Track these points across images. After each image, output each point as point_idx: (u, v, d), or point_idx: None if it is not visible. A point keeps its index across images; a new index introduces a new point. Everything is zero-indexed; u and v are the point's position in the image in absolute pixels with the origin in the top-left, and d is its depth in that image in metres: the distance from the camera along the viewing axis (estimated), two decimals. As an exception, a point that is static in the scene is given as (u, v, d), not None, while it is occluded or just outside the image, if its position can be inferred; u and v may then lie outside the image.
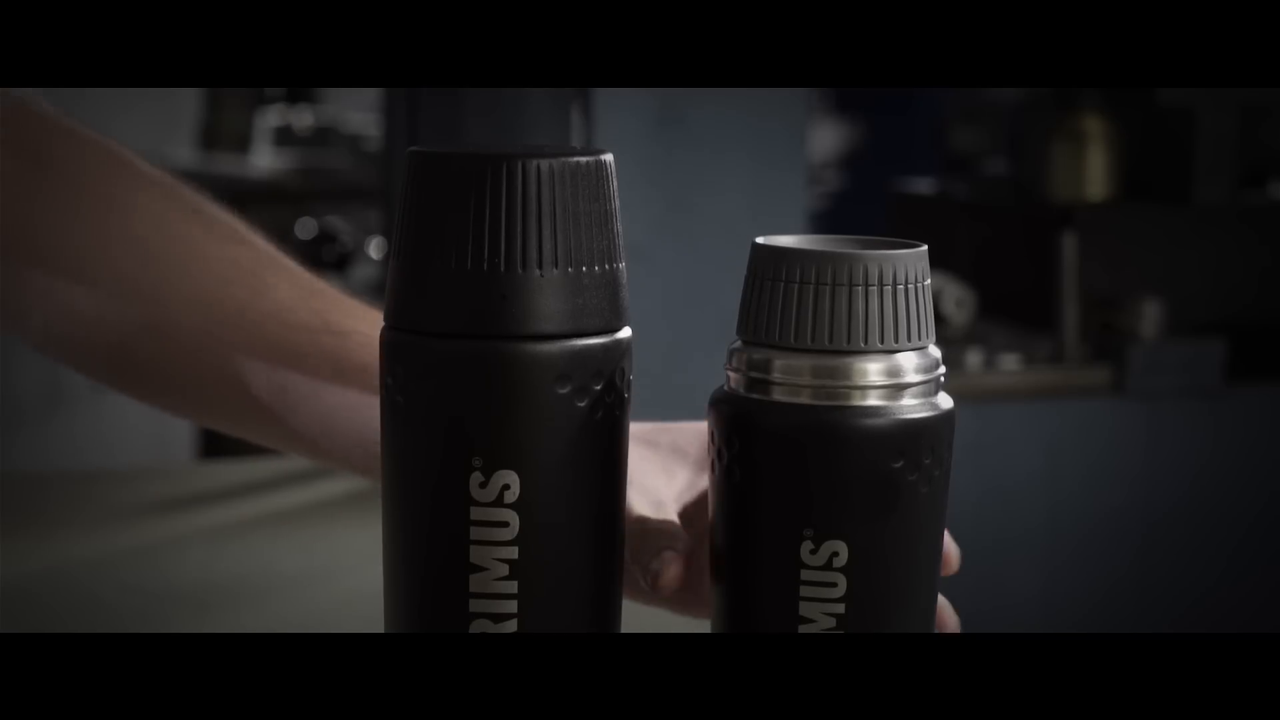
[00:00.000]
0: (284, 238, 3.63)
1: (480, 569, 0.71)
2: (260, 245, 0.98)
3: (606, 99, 2.49)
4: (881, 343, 0.71)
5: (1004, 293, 3.05)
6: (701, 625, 0.80)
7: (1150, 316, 2.92)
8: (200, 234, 0.97)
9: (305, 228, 3.60)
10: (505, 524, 0.71)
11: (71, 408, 4.19)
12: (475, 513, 0.71)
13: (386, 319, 0.73)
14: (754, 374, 0.72)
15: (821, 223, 4.12)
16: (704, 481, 0.86)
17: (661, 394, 2.21)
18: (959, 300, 2.90)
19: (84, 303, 0.97)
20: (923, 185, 3.54)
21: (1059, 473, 2.80)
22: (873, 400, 0.71)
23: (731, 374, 0.73)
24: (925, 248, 0.72)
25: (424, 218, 0.71)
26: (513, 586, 0.71)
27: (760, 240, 0.73)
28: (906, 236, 0.75)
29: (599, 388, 0.72)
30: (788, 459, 0.71)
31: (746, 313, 0.73)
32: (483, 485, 0.70)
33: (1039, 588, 2.79)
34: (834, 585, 0.71)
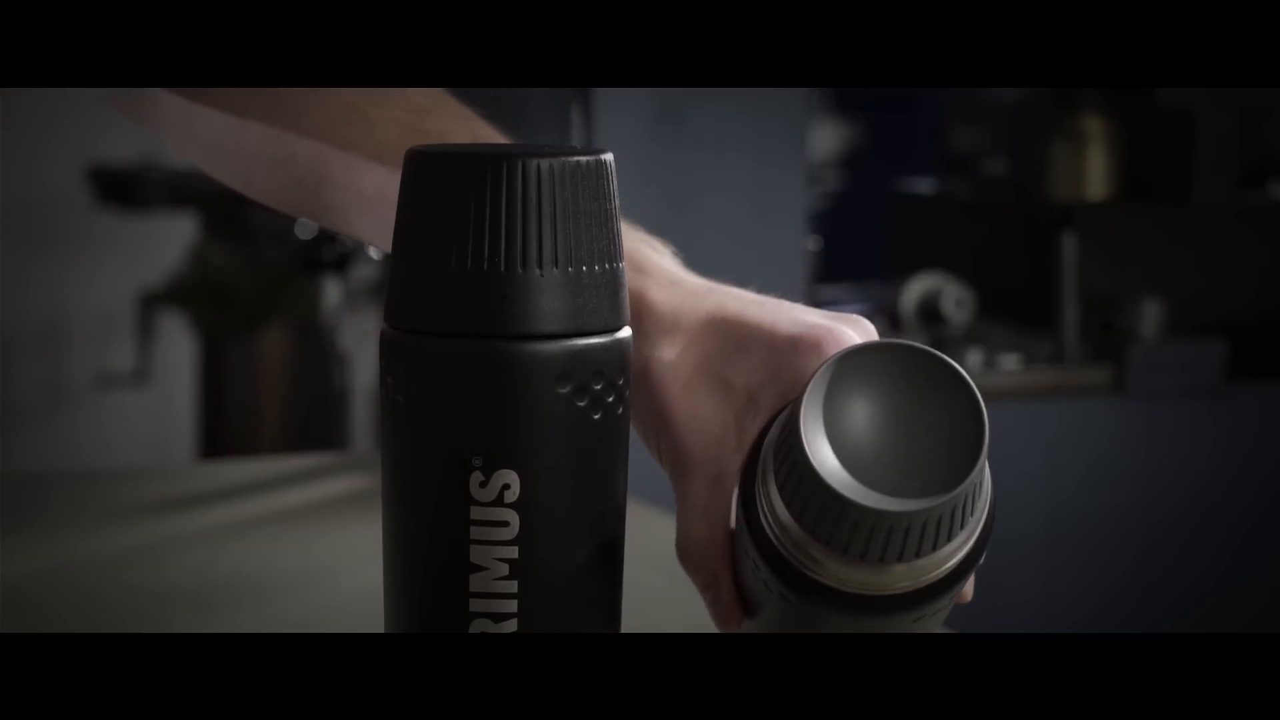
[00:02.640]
0: (284, 237, 3.63)
1: (480, 569, 0.71)
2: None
3: (606, 99, 2.49)
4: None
5: (1004, 292, 3.05)
6: (701, 625, 0.80)
7: (1150, 316, 2.92)
8: None
9: (305, 227, 3.60)
10: (505, 524, 0.71)
11: (71, 408, 4.19)
12: (475, 512, 0.71)
13: (386, 319, 0.73)
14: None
15: (822, 222, 4.12)
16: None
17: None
18: (959, 300, 2.90)
19: (202, 128, 0.97)
20: (923, 185, 3.54)
21: (1059, 472, 2.80)
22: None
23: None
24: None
25: (424, 218, 0.71)
26: (513, 586, 0.71)
27: (806, 444, 0.70)
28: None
29: (599, 387, 0.71)
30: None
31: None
32: (483, 485, 0.70)
33: (1039, 588, 2.79)
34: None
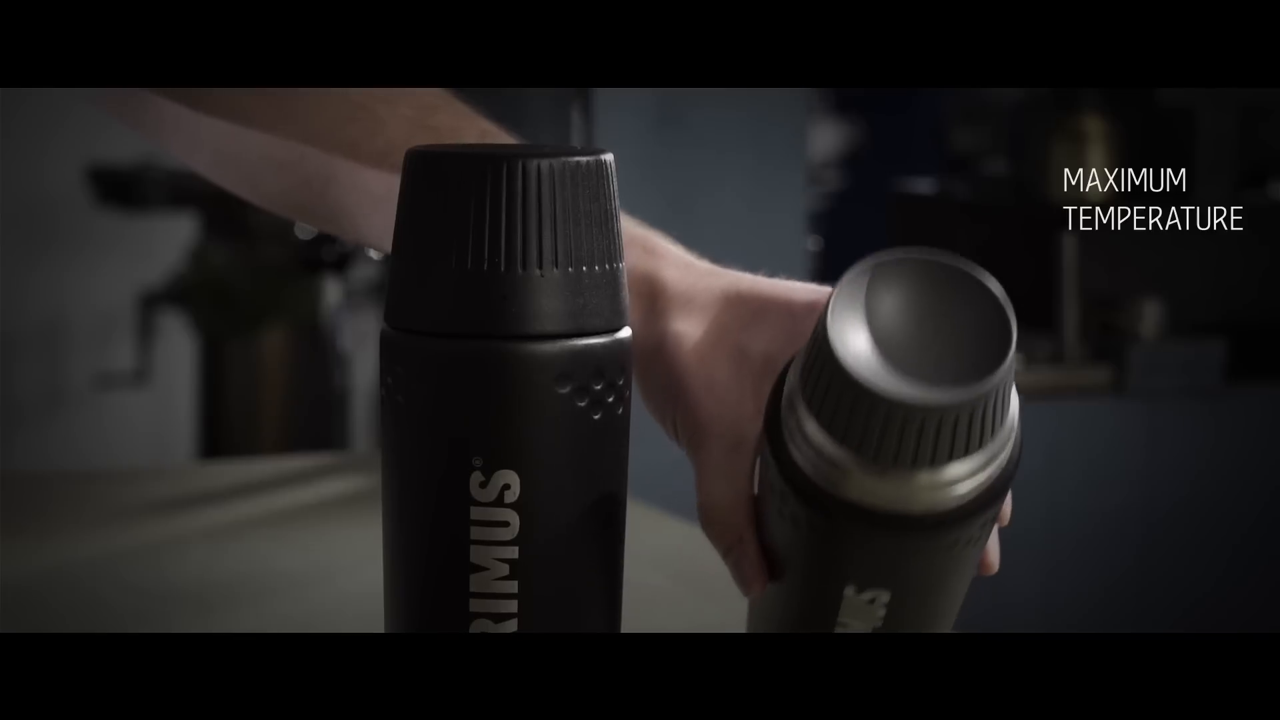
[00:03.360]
0: (284, 237, 3.63)
1: (480, 569, 0.71)
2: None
3: (606, 99, 2.49)
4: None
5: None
6: (702, 625, 0.80)
7: (1150, 317, 2.92)
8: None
9: (305, 228, 3.60)
10: (505, 524, 0.71)
11: (71, 408, 4.19)
12: (475, 513, 0.71)
13: (386, 319, 0.73)
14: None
15: (822, 222, 4.12)
16: None
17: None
18: (959, 300, 2.90)
19: (207, 132, 0.96)
20: (923, 185, 3.54)
21: (1059, 473, 2.80)
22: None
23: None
24: (993, 380, 0.70)
25: (424, 218, 0.71)
26: (513, 586, 0.71)
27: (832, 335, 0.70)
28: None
29: (599, 387, 0.71)
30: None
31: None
32: (483, 485, 0.70)
33: (1039, 587, 2.79)
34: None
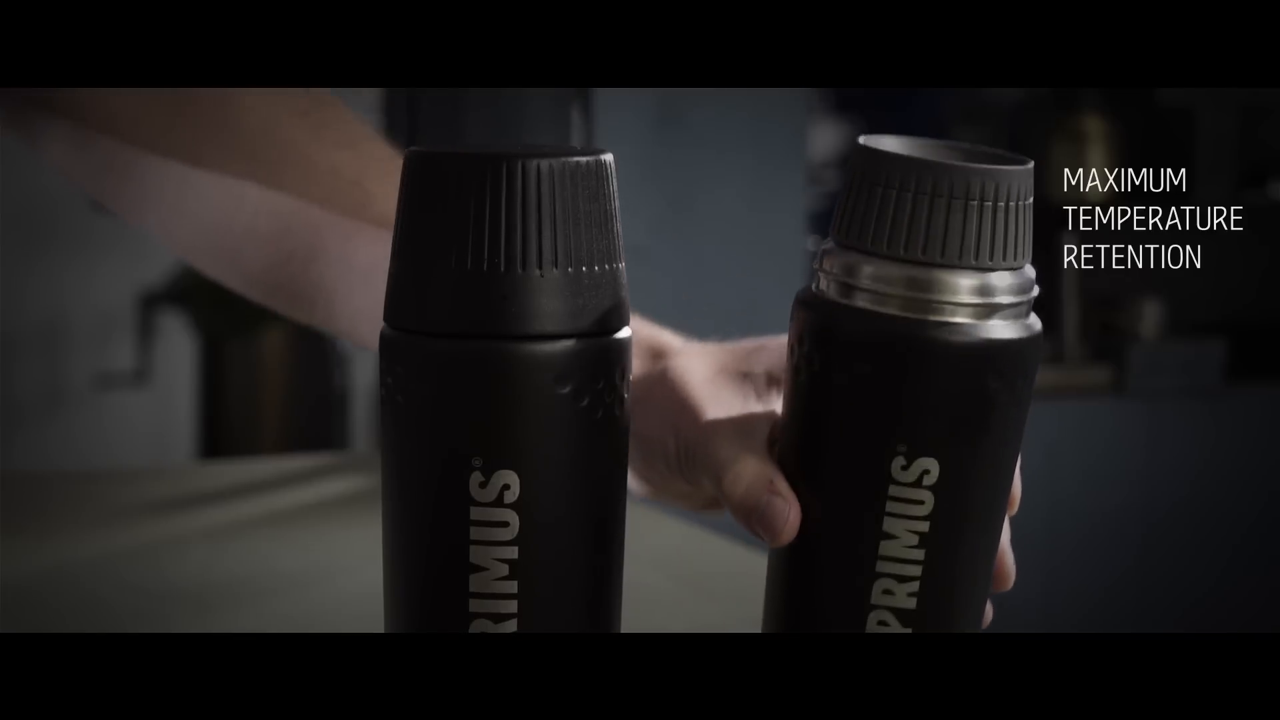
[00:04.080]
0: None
1: (480, 569, 0.71)
2: (369, 150, 0.96)
3: (606, 99, 2.49)
4: (991, 259, 0.71)
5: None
6: (702, 625, 0.80)
7: (1150, 317, 2.92)
8: (306, 138, 0.96)
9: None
10: (505, 524, 0.71)
11: (71, 408, 4.19)
12: (475, 513, 0.71)
13: (386, 319, 0.73)
14: (849, 280, 0.72)
15: (822, 222, 4.11)
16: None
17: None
18: (959, 300, 2.90)
19: (194, 203, 0.95)
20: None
21: (1059, 473, 2.80)
22: (967, 318, 0.71)
23: (823, 275, 0.73)
24: (1031, 165, 0.71)
25: (424, 218, 0.71)
26: (513, 586, 0.71)
27: (864, 140, 0.72)
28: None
29: (599, 387, 0.71)
30: (888, 372, 0.71)
31: (844, 215, 0.72)
32: (483, 485, 0.70)
33: (1039, 587, 2.79)
34: (921, 503, 0.71)
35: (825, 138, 4.42)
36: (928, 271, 0.70)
